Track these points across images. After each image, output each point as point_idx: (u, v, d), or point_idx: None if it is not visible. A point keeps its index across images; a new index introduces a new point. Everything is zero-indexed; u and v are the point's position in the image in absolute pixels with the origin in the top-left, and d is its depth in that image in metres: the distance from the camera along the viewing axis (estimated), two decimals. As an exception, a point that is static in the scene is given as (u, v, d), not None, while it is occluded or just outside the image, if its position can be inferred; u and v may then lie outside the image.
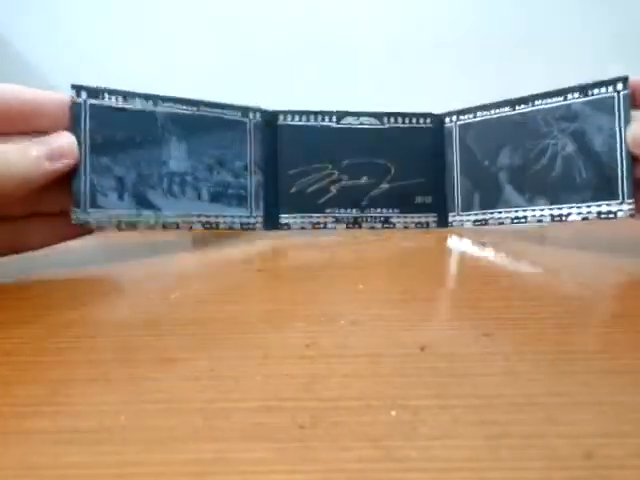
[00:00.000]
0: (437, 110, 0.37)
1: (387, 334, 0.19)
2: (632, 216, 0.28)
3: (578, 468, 0.11)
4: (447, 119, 0.36)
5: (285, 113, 0.36)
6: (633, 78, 0.28)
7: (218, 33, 0.62)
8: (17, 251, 0.28)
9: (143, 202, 0.30)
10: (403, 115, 0.37)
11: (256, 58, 0.61)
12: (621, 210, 0.28)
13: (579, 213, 0.29)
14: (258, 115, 0.35)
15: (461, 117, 0.35)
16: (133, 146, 0.30)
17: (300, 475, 0.11)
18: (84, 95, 0.28)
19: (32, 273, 0.28)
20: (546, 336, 0.18)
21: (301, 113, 0.36)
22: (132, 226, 0.29)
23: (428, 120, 0.36)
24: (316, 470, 0.11)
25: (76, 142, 0.27)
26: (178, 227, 0.31)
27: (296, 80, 0.62)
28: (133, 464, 0.12)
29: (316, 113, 0.36)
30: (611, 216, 0.28)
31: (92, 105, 0.28)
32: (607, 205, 0.28)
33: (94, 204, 0.28)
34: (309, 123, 0.36)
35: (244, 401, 0.14)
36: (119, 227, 0.29)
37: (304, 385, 0.15)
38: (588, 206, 0.29)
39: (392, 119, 0.36)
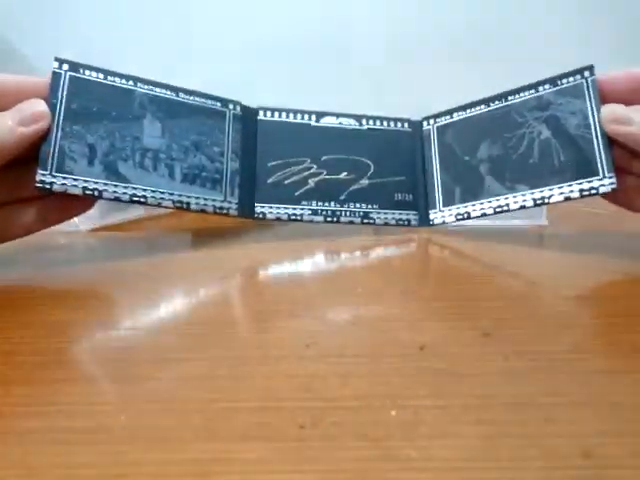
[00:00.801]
0: (430, 107, 0.37)
1: (387, 334, 0.19)
2: (614, 190, 0.28)
3: (576, 467, 0.11)
4: (425, 122, 0.37)
5: (265, 109, 0.36)
6: (599, 75, 0.30)
7: (217, 33, 0.62)
8: (4, 239, 0.27)
9: (113, 172, 0.29)
10: (381, 119, 0.37)
11: (251, 58, 0.61)
12: (603, 185, 0.28)
13: (561, 193, 0.30)
14: (238, 107, 0.35)
15: (438, 119, 0.36)
16: (108, 118, 0.30)
17: (300, 475, 0.11)
18: (65, 67, 0.29)
19: (32, 273, 0.28)
20: (546, 336, 0.18)
21: (281, 110, 0.36)
22: (98, 194, 0.29)
23: (406, 124, 0.37)
24: (316, 470, 0.11)
25: (48, 108, 0.27)
26: (146, 201, 0.30)
27: (290, 80, 0.62)
28: (133, 464, 0.12)
29: (295, 111, 0.36)
30: (593, 192, 0.29)
31: (71, 77, 0.29)
32: (588, 182, 0.29)
33: (61, 169, 0.28)
34: (289, 120, 0.36)
35: (244, 401, 0.14)
36: (85, 193, 0.28)
37: (304, 385, 0.15)
38: (569, 185, 0.30)
39: (370, 121, 0.37)
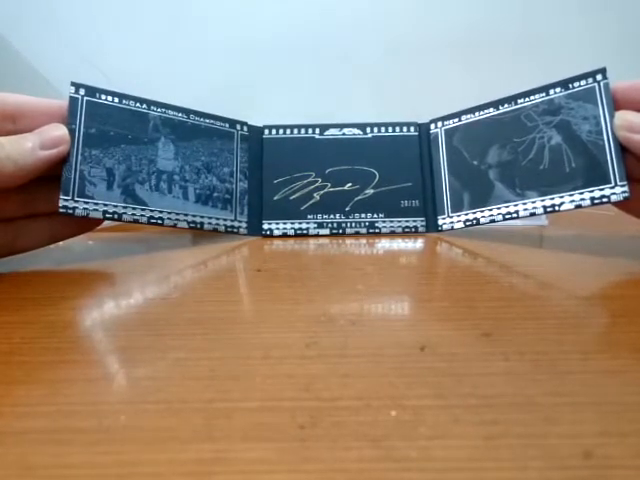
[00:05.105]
0: (433, 112, 0.37)
1: (387, 334, 0.19)
2: (626, 199, 0.28)
3: (577, 468, 0.11)
4: (432, 125, 0.37)
5: (270, 127, 0.37)
6: (615, 83, 0.29)
7: (218, 34, 0.62)
8: (13, 252, 0.28)
9: (131, 195, 0.30)
10: (386, 125, 0.37)
11: (253, 64, 0.61)
12: (614, 193, 0.28)
13: (572, 201, 0.29)
14: (245, 128, 0.36)
15: (446, 122, 0.36)
16: (125, 142, 0.31)
17: (300, 475, 0.11)
18: (82, 92, 0.30)
19: (32, 273, 0.28)
20: (546, 336, 0.18)
21: (285, 127, 0.37)
22: (118, 217, 0.30)
23: (412, 128, 0.37)
24: (316, 470, 0.11)
25: (68, 133, 0.28)
26: (163, 223, 0.31)
27: (293, 83, 0.62)
28: (133, 464, 0.12)
29: (299, 127, 0.37)
30: (605, 200, 0.28)
31: (88, 101, 0.30)
32: (600, 190, 0.29)
33: (82, 194, 0.28)
34: (293, 135, 0.37)
35: (244, 401, 0.14)
36: (105, 217, 0.29)
37: (304, 385, 0.15)
38: (581, 193, 0.29)
39: (375, 129, 0.37)
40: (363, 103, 0.61)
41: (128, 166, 0.31)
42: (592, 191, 0.29)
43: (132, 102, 0.32)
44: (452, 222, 0.34)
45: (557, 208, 0.30)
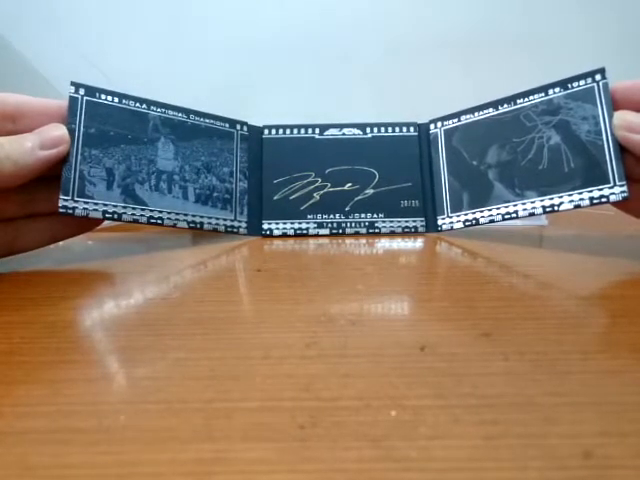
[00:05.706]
0: (433, 112, 0.37)
1: (387, 334, 0.19)
2: (625, 199, 0.28)
3: (577, 468, 0.11)
4: (432, 125, 0.37)
5: (270, 128, 0.37)
6: (615, 83, 0.29)
7: (218, 34, 0.62)
8: (13, 252, 0.28)
9: (130, 195, 0.30)
10: (386, 125, 0.37)
11: (253, 64, 0.61)
12: (613, 193, 0.28)
13: (571, 201, 0.29)
14: (245, 128, 0.36)
15: (445, 122, 0.36)
16: (124, 142, 0.31)
17: (300, 475, 0.11)
18: (82, 92, 0.30)
19: (32, 273, 0.28)
20: (546, 336, 0.18)
21: (285, 127, 0.37)
22: (118, 217, 0.30)
23: (412, 128, 0.37)
24: (316, 470, 0.11)
25: (68, 133, 0.28)
26: (163, 223, 0.31)
27: (292, 83, 0.62)
28: (133, 464, 0.12)
29: (299, 127, 0.37)
30: (604, 200, 0.28)
31: (88, 101, 0.30)
32: (599, 190, 0.29)
33: (82, 193, 0.29)
34: (293, 135, 0.37)
35: (244, 401, 0.14)
36: (104, 217, 0.29)
37: (304, 385, 0.15)
38: (580, 193, 0.29)
39: (375, 129, 0.37)
40: (363, 103, 0.61)
41: (128, 166, 0.31)
42: (591, 191, 0.29)
43: (132, 102, 0.32)
44: (452, 222, 0.34)
45: (556, 208, 0.30)
